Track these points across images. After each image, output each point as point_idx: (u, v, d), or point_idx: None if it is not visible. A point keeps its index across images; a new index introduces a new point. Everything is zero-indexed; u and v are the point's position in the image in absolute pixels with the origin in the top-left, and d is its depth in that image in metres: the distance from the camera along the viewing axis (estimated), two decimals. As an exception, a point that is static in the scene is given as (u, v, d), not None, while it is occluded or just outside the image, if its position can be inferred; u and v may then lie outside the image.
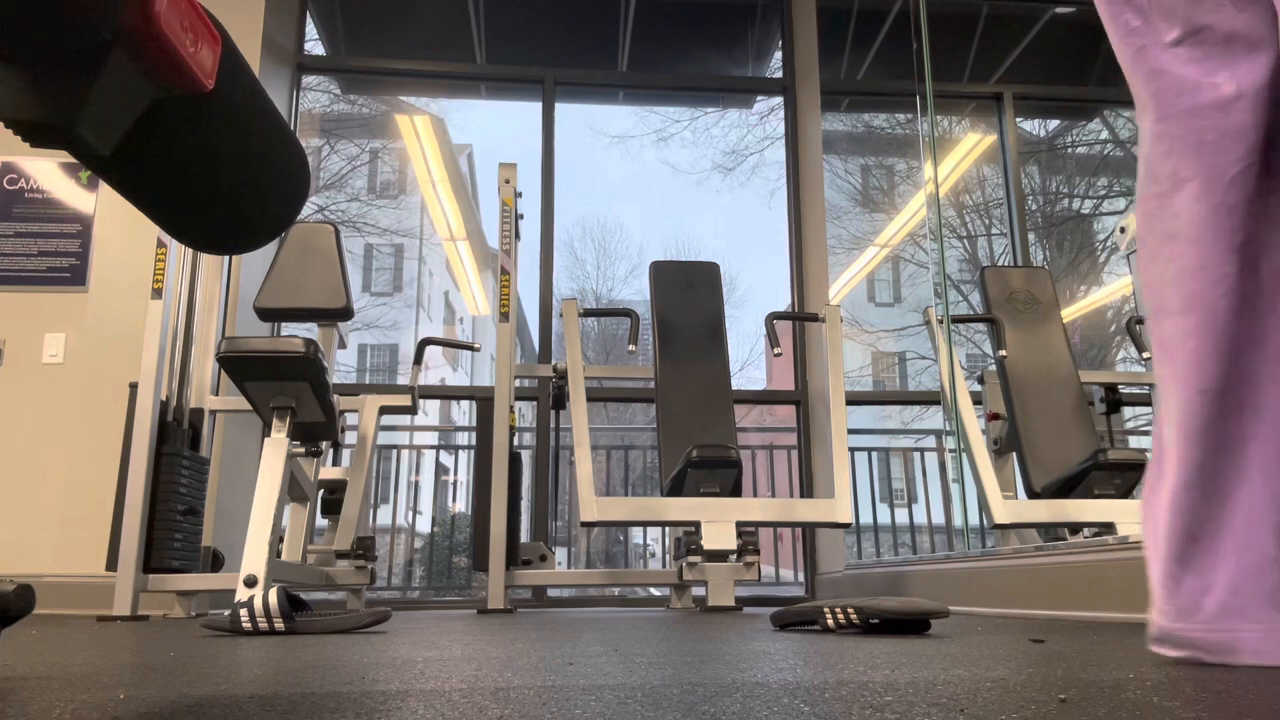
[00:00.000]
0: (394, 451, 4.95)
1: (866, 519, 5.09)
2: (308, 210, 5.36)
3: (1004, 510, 3.08)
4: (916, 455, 5.30)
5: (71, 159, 3.06)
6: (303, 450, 3.04)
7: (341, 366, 4.02)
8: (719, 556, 2.98)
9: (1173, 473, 1.01)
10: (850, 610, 1.56)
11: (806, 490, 4.30)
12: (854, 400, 4.32)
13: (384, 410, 3.43)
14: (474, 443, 3.52)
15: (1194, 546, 0.97)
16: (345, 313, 3.37)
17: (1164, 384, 1.04)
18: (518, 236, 3.59)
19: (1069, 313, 4.47)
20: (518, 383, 3.68)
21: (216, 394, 3.37)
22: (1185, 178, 1.01)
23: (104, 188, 3.89)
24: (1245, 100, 0.99)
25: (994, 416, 3.63)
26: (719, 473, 3.11)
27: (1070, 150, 5.74)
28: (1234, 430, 0.97)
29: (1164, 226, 1.04)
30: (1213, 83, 1.01)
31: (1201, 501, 0.97)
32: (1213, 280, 0.99)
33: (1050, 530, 3.31)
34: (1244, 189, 0.98)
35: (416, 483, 5.14)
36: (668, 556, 4.42)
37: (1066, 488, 3.19)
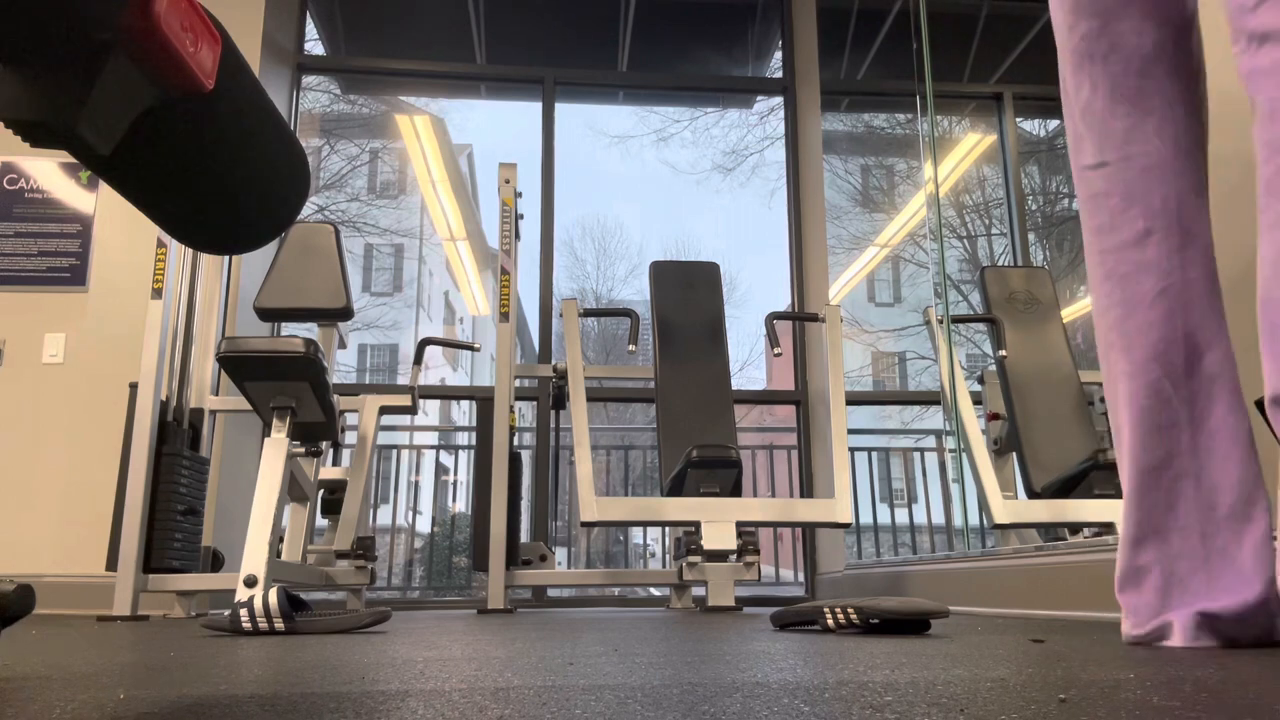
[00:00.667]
0: (394, 451, 4.95)
1: (866, 519, 5.09)
2: (308, 210, 5.36)
3: (1004, 510, 3.08)
4: (916, 455, 5.30)
5: (71, 159, 3.06)
6: (303, 450, 3.04)
7: (341, 366, 4.02)
8: (719, 556, 2.98)
9: (1124, 518, 1.25)
10: (850, 610, 1.56)
11: (806, 490, 4.30)
12: (854, 400, 4.32)
13: (384, 410, 3.43)
14: (474, 443, 3.52)
15: (1137, 577, 1.23)
16: (345, 313, 3.38)
17: (1119, 455, 1.29)
18: (518, 236, 3.59)
19: (1069, 313, 4.47)
20: (518, 383, 3.68)
21: (216, 394, 3.37)
22: (1115, 301, 1.27)
23: (104, 188, 3.89)
24: (1156, 235, 1.23)
25: (994, 416, 3.63)
26: (719, 473, 3.11)
27: (1070, 150, 5.72)
28: (1171, 497, 1.20)
29: (1104, 335, 1.30)
30: (1130, 218, 1.26)
31: (1142, 551, 1.22)
32: (1142, 385, 1.23)
33: (1050, 530, 3.31)
34: (1160, 308, 1.22)
35: (416, 483, 5.14)
36: (668, 556, 4.42)
37: (1066, 488, 3.19)
